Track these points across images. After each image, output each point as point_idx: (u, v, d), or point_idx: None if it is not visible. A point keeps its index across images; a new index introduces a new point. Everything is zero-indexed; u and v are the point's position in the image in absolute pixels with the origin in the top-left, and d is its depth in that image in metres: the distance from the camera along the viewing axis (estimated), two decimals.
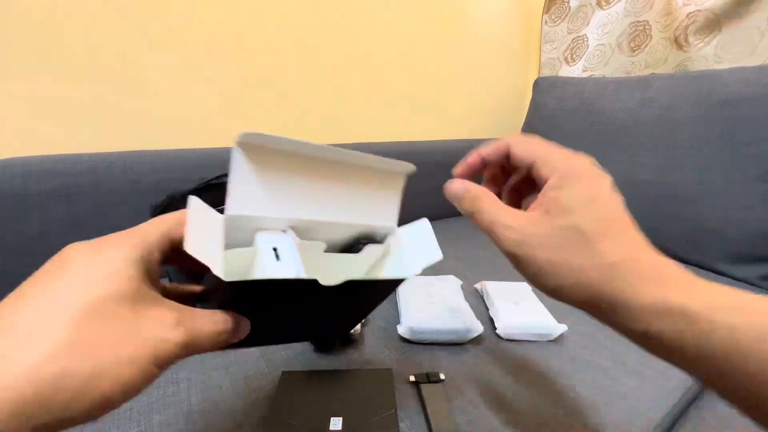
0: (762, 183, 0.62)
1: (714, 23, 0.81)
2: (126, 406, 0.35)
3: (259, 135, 0.20)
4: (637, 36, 0.95)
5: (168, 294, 0.20)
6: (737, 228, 0.64)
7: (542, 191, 0.22)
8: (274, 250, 0.22)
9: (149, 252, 0.18)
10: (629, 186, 0.76)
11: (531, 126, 1.00)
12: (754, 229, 0.63)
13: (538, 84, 1.02)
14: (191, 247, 0.17)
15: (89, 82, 0.59)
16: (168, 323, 0.17)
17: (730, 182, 0.65)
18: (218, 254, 0.20)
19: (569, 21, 1.09)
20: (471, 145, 0.96)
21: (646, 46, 0.94)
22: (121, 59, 0.60)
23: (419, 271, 0.27)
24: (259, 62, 0.73)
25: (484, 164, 0.26)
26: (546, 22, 1.14)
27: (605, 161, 0.80)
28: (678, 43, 0.87)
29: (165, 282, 0.23)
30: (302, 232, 0.24)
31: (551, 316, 0.47)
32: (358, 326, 0.46)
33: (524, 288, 0.54)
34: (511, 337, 0.46)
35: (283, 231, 0.24)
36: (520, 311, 0.48)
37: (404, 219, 0.29)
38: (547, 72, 1.17)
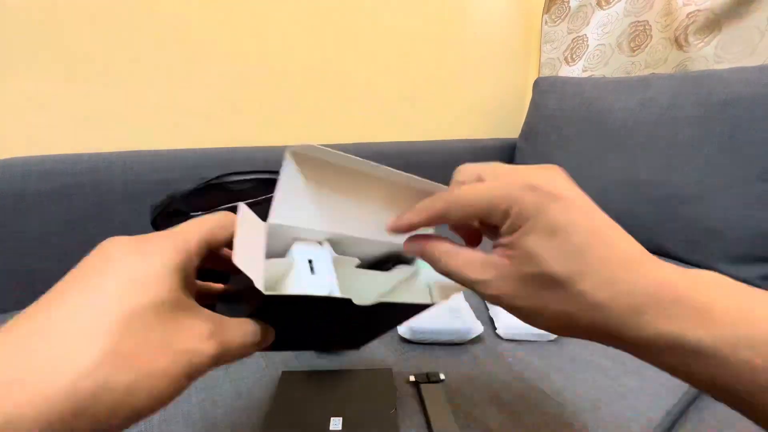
0: (762, 183, 0.62)
1: (714, 23, 0.81)
2: None
3: (314, 147, 0.20)
4: (637, 36, 0.95)
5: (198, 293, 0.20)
6: (737, 228, 0.64)
7: (501, 237, 0.19)
8: (309, 262, 0.22)
9: (189, 257, 0.18)
10: (629, 186, 0.76)
11: (531, 126, 1.00)
12: (754, 229, 0.63)
13: (538, 84, 1.02)
14: (239, 260, 0.17)
15: (89, 82, 0.59)
16: (202, 335, 0.16)
17: (730, 182, 0.65)
18: (260, 265, 0.20)
19: (569, 21, 1.09)
20: (471, 145, 0.96)
21: (646, 46, 0.94)
22: (121, 59, 0.60)
23: (447, 300, 0.27)
24: (260, 62, 0.73)
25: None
26: (546, 22, 1.14)
27: (605, 161, 0.81)
28: (678, 43, 0.87)
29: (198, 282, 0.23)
30: (335, 244, 0.24)
31: None
32: None
33: None
34: (511, 337, 0.46)
35: (319, 243, 0.24)
36: None
37: None
38: (547, 72, 1.17)
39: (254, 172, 0.53)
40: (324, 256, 0.23)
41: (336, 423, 0.32)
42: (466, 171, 0.22)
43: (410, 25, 0.90)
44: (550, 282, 0.17)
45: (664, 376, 0.17)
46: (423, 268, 0.29)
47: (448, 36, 0.98)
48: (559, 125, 0.91)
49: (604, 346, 0.18)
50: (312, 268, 0.22)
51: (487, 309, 0.52)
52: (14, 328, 0.13)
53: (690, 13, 0.83)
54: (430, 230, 0.26)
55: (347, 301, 0.20)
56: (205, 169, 0.64)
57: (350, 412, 0.33)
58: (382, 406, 0.34)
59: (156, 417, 0.34)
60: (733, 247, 0.65)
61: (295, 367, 0.40)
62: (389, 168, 0.23)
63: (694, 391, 0.40)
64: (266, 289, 0.17)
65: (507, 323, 0.46)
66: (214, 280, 0.23)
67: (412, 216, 0.22)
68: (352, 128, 0.88)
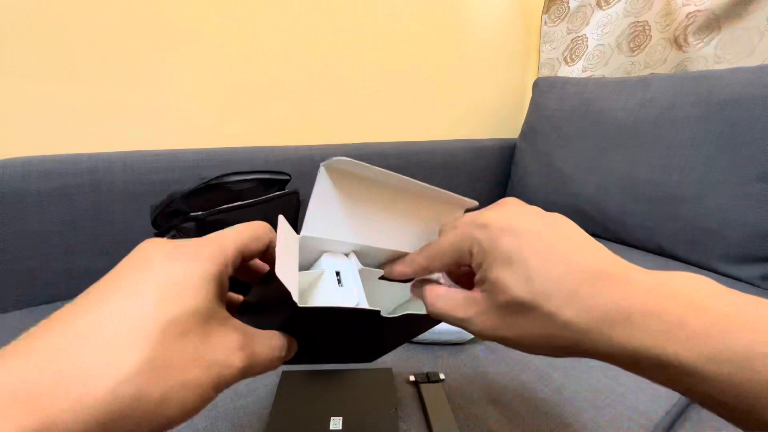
0: (762, 183, 0.62)
1: (713, 23, 0.81)
2: None
3: (346, 161, 0.21)
4: (637, 36, 0.96)
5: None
6: (737, 228, 0.64)
7: (475, 276, 0.21)
8: (337, 274, 0.23)
9: (226, 266, 0.17)
10: (629, 186, 0.76)
11: (531, 126, 1.00)
12: (754, 229, 0.63)
13: (538, 84, 1.02)
14: (281, 272, 0.17)
15: (89, 82, 0.59)
16: (233, 347, 0.16)
17: (730, 182, 0.65)
18: (295, 278, 0.20)
19: (569, 21, 1.09)
20: (471, 145, 0.96)
21: (645, 47, 0.94)
22: (122, 59, 0.60)
23: None
24: (260, 63, 0.73)
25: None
26: (545, 23, 1.14)
27: (605, 161, 0.81)
28: (677, 43, 0.87)
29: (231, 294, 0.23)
30: (360, 255, 0.25)
31: None
32: None
33: None
34: None
35: (346, 255, 0.24)
36: None
37: None
38: (546, 72, 1.17)
39: (254, 172, 0.53)
40: (351, 268, 0.24)
41: (336, 423, 0.32)
42: (446, 224, 0.24)
43: (410, 26, 0.91)
44: (521, 308, 0.18)
45: None
46: (443, 278, 0.29)
47: (447, 36, 0.98)
48: (559, 125, 0.91)
49: None
50: (339, 280, 0.23)
51: None
52: (53, 328, 0.13)
53: (689, 13, 0.83)
54: (438, 274, 0.26)
55: (374, 314, 0.21)
56: (205, 169, 0.64)
57: (350, 412, 0.33)
58: (382, 405, 0.34)
59: None
60: (732, 247, 0.65)
61: (296, 367, 0.40)
62: (417, 181, 0.23)
63: None
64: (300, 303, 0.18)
65: None
66: (233, 290, 0.24)
67: (402, 268, 0.25)
68: (352, 128, 0.88)
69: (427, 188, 0.24)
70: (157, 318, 0.14)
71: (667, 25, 0.89)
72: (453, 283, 0.26)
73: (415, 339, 0.45)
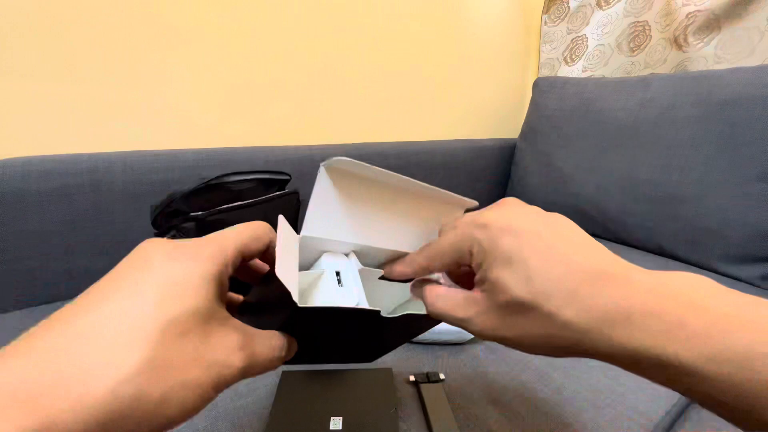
0: (762, 183, 0.62)
1: (713, 23, 0.81)
2: None
3: (346, 161, 0.21)
4: (637, 36, 0.96)
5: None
6: (737, 228, 0.64)
7: (475, 276, 0.21)
8: (337, 274, 0.23)
9: (226, 266, 0.17)
10: (629, 186, 0.76)
11: (531, 126, 1.00)
12: (754, 229, 0.63)
13: (538, 84, 1.02)
14: (281, 272, 0.17)
15: (89, 82, 0.59)
16: (233, 347, 0.16)
17: (730, 182, 0.65)
18: (295, 278, 0.20)
19: (569, 21, 1.09)
20: (471, 145, 0.96)
21: (645, 47, 0.94)
22: (122, 59, 0.60)
23: None
24: (260, 62, 0.73)
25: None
26: (545, 23, 1.14)
27: (605, 161, 0.81)
28: (677, 43, 0.87)
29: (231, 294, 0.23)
30: (360, 255, 0.25)
31: None
32: None
33: None
34: None
35: (346, 255, 0.24)
36: None
37: None
38: (546, 72, 1.17)
39: (254, 172, 0.53)
40: (351, 268, 0.24)
41: (336, 423, 0.32)
42: (446, 224, 0.24)
43: (410, 26, 0.91)
44: (521, 308, 0.18)
45: None
46: (443, 278, 0.29)
47: (447, 36, 0.98)
48: (559, 125, 0.91)
49: None
50: (339, 280, 0.23)
51: None
52: (53, 328, 0.13)
53: (689, 13, 0.83)
54: (438, 274, 0.26)
55: (375, 314, 0.21)
56: (205, 169, 0.64)
57: (350, 412, 0.33)
58: (382, 405, 0.34)
59: None
60: (732, 247, 0.65)
61: (296, 367, 0.40)
62: (416, 181, 0.23)
63: None
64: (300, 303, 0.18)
65: None
66: (232, 291, 0.24)
67: (402, 268, 0.25)
68: (353, 128, 0.88)
69: (427, 188, 0.24)
70: (157, 318, 0.14)
71: (667, 25, 0.89)
72: (453, 283, 0.26)
73: (415, 339, 0.45)
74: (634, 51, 0.97)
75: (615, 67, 1.01)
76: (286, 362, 0.21)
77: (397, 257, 0.26)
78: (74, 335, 0.13)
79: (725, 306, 0.15)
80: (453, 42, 1.00)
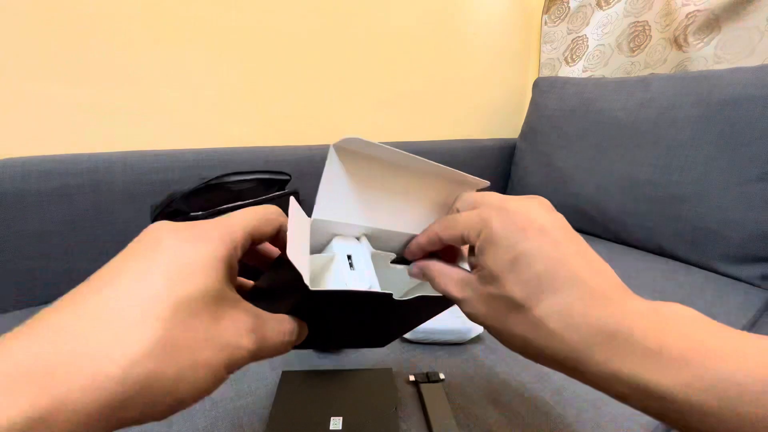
0: (762, 183, 0.62)
1: (713, 23, 0.81)
2: None
3: (356, 140, 0.20)
4: (637, 36, 0.96)
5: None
6: (737, 228, 0.64)
7: (473, 257, 0.21)
8: (348, 257, 0.22)
9: (235, 248, 0.17)
10: (629, 186, 0.76)
11: (531, 126, 1.00)
12: (754, 229, 0.63)
13: (538, 84, 1.02)
14: (292, 255, 0.17)
15: (89, 82, 0.59)
16: (244, 329, 0.16)
17: (730, 182, 0.65)
18: (306, 261, 0.19)
19: (569, 21, 1.09)
20: (471, 145, 0.96)
21: (645, 47, 0.94)
22: (122, 59, 0.60)
23: None
24: (259, 62, 0.73)
25: (430, 250, 0.25)
26: (546, 23, 1.14)
27: (605, 161, 0.81)
28: (677, 43, 0.87)
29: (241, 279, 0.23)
30: (371, 239, 0.25)
31: None
32: None
33: None
34: None
35: (357, 238, 0.24)
36: None
37: None
38: (546, 72, 1.17)
39: (254, 172, 0.53)
40: (362, 251, 0.23)
41: (336, 423, 0.32)
42: (463, 199, 0.24)
43: (410, 26, 0.91)
44: (511, 304, 0.18)
45: None
46: None
47: (447, 36, 0.98)
48: (559, 125, 0.91)
49: None
50: (351, 264, 0.22)
51: None
52: (65, 308, 0.13)
53: (689, 13, 0.83)
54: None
55: (387, 297, 0.21)
56: (205, 169, 0.64)
57: (350, 412, 0.33)
58: (382, 405, 0.34)
59: None
60: (732, 247, 0.65)
61: (295, 367, 0.40)
62: (428, 160, 0.23)
63: None
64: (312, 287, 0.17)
65: None
66: (241, 276, 0.23)
67: (420, 238, 0.25)
68: (353, 128, 0.88)
69: (439, 167, 0.24)
70: (168, 298, 0.14)
71: (667, 25, 0.89)
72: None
73: (415, 339, 0.45)
74: (634, 51, 0.97)
75: (615, 67, 1.01)
76: (295, 347, 0.21)
77: (409, 241, 0.26)
78: (86, 315, 0.13)
79: (707, 336, 0.15)
80: (453, 42, 1.00)
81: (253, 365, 0.41)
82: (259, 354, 0.17)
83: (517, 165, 1.03)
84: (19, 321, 0.12)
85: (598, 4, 1.02)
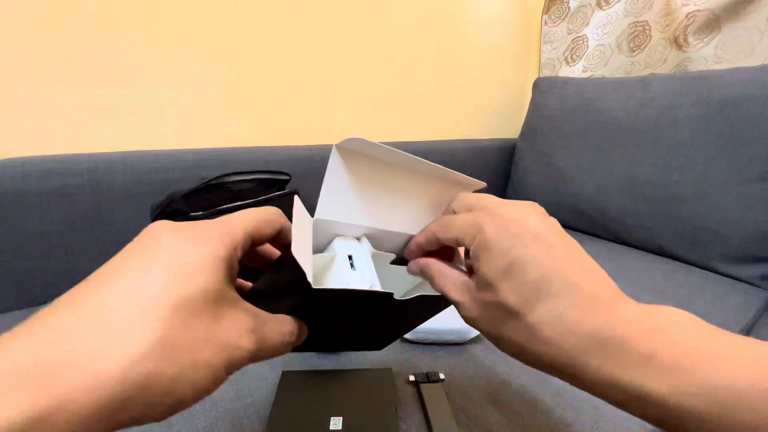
0: (762, 183, 0.62)
1: (713, 23, 0.81)
2: None
3: (359, 140, 0.20)
4: (637, 36, 0.96)
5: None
6: (737, 228, 0.64)
7: (470, 260, 0.21)
8: (349, 257, 0.23)
9: (235, 249, 0.17)
10: (629, 186, 0.76)
11: (531, 126, 1.00)
12: (754, 229, 0.63)
13: (538, 84, 1.02)
14: (296, 252, 0.17)
15: (89, 82, 0.59)
16: (244, 329, 0.16)
17: (730, 182, 0.65)
18: (309, 260, 0.20)
19: (569, 21, 1.09)
20: (471, 145, 0.96)
21: (645, 47, 0.94)
22: (122, 59, 0.60)
23: None
24: (259, 62, 0.73)
25: (428, 249, 0.26)
26: (546, 23, 1.14)
27: (605, 161, 0.81)
28: (677, 43, 0.87)
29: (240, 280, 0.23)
30: (371, 239, 0.25)
31: None
32: None
33: None
34: None
35: (357, 239, 0.24)
36: None
37: None
38: (547, 72, 1.17)
39: (254, 172, 0.53)
40: (363, 251, 0.24)
41: (336, 423, 0.32)
42: (459, 200, 0.24)
43: (410, 26, 0.91)
44: (506, 311, 0.18)
45: None
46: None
47: (447, 37, 0.98)
48: (559, 125, 0.91)
49: None
50: (352, 264, 0.23)
51: None
52: (64, 307, 0.13)
53: (689, 13, 0.83)
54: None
55: (388, 296, 0.21)
56: (205, 169, 0.64)
57: (350, 412, 0.33)
58: (382, 405, 0.34)
59: None
60: (732, 247, 0.65)
61: (295, 367, 0.40)
62: (427, 161, 0.23)
63: None
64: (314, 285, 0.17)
65: None
66: (241, 278, 0.23)
67: (418, 237, 0.25)
68: (353, 128, 0.88)
69: (438, 168, 0.24)
70: (168, 298, 0.14)
71: (667, 25, 0.89)
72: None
73: (415, 339, 0.45)
74: (634, 51, 0.97)
75: (615, 67, 1.01)
76: (295, 349, 0.20)
77: (408, 241, 0.26)
78: (86, 315, 0.13)
79: (701, 342, 0.15)
80: (453, 42, 1.00)
81: (253, 365, 0.41)
82: (259, 354, 0.17)
83: (517, 165, 1.03)
84: (19, 321, 0.12)
85: (598, 4, 1.02)
